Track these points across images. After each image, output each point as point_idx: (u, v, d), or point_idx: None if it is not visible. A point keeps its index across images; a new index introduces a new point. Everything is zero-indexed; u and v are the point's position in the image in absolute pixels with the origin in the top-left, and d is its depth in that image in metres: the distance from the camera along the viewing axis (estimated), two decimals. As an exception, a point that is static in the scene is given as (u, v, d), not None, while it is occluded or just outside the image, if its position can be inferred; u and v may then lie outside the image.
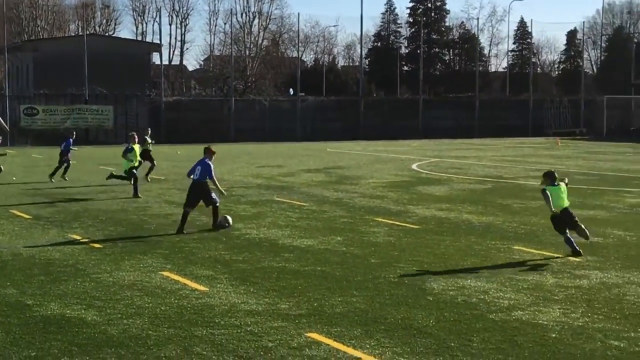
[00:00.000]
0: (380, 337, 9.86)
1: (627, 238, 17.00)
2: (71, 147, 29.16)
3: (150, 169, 28.71)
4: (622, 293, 12.13)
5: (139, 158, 25.48)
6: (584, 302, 11.61)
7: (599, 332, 10.11)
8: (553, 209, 14.90)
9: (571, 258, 14.69)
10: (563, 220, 15.02)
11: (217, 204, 17.98)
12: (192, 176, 18.11)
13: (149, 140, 29.38)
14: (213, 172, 17.97)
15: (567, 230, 15.02)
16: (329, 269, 13.81)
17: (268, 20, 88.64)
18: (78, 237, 16.99)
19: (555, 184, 15.33)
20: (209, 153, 18.17)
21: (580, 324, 10.48)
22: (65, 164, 28.76)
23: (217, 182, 18.23)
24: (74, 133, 30.70)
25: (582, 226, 15.08)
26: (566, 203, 15.11)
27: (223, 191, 18.93)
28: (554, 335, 9.96)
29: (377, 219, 19.57)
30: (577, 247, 14.87)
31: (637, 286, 12.55)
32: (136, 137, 25.96)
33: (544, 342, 9.69)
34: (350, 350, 9.36)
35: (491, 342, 9.70)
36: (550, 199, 14.90)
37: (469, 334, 10.03)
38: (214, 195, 17.94)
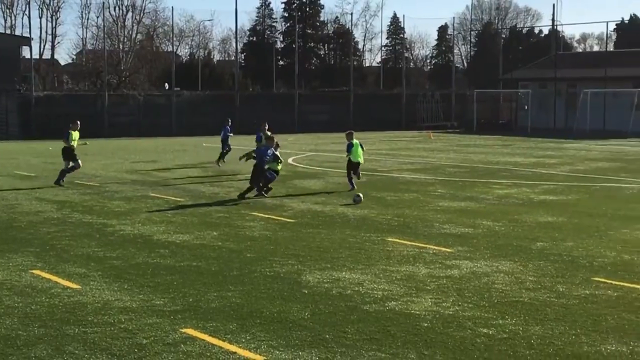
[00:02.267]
0: (255, 331, 9.88)
1: (496, 228, 17.51)
2: (229, 134, 33.60)
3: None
4: (491, 282, 12.48)
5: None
6: (455, 291, 11.90)
7: (468, 320, 10.38)
8: (351, 158, 24.11)
9: (443, 249, 15.04)
10: (353, 166, 24.09)
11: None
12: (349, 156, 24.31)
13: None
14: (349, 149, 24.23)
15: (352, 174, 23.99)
16: (205, 264, 13.76)
17: (142, 13, 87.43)
18: (-57, 237, 16.42)
19: (354, 141, 24.17)
20: (350, 135, 24.50)
21: (451, 312, 10.75)
22: (227, 149, 33.15)
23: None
24: (229, 120, 34.49)
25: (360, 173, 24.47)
26: (360, 157, 24.27)
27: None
28: (425, 325, 10.18)
29: (253, 213, 19.58)
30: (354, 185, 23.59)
31: (505, 275, 12.94)
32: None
33: (417, 332, 9.90)
34: (226, 345, 9.35)
35: (365, 332, 9.85)
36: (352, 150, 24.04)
37: (344, 325, 10.15)
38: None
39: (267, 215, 19.27)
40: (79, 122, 26.69)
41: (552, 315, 10.59)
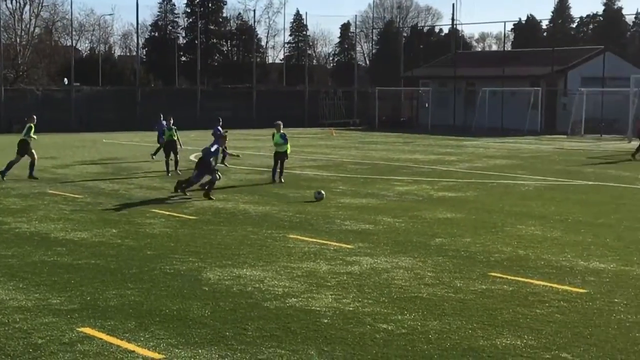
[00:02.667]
0: (155, 329, 9.78)
1: (396, 224, 17.71)
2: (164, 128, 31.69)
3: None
4: (390, 277, 12.62)
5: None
6: (355, 287, 11.99)
7: (368, 316, 10.48)
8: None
9: (344, 245, 15.13)
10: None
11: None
12: None
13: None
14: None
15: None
16: (103, 262, 13.55)
17: (40, 7, 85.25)
18: None
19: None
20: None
21: (351, 308, 10.82)
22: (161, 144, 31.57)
23: None
24: (162, 116, 34.40)
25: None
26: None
27: None
28: (326, 321, 10.23)
29: (153, 210, 19.38)
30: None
31: (405, 270, 13.10)
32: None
33: (317, 328, 9.94)
34: (124, 344, 9.23)
35: (266, 329, 9.84)
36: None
37: (244, 322, 10.13)
38: None
39: (167, 213, 19.10)
40: (35, 117, 26.87)
41: (449, 310, 10.77)
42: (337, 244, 15.27)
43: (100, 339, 9.41)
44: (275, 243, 15.42)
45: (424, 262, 13.79)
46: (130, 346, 9.16)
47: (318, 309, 10.79)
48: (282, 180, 25.25)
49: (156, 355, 8.91)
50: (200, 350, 9.05)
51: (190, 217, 18.56)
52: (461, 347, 9.26)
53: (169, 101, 62.93)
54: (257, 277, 12.57)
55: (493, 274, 12.90)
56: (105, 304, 10.94)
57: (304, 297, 11.40)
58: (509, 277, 12.67)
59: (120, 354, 8.91)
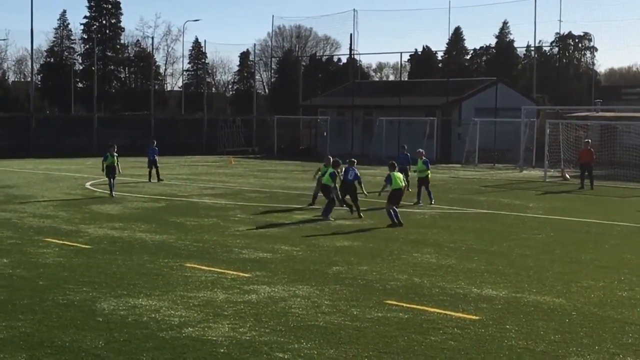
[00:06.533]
0: (46, 362, 9.57)
1: (294, 253, 17.74)
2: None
3: None
4: (287, 306, 12.63)
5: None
6: (252, 316, 11.96)
7: (265, 345, 10.46)
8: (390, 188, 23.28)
9: (241, 274, 15.10)
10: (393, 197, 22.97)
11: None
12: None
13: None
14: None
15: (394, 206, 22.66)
16: (-6, 293, 13.20)
17: None
18: None
19: (396, 171, 23.93)
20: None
21: (248, 338, 10.79)
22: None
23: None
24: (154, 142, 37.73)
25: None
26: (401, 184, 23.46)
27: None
28: (222, 351, 10.17)
29: (47, 240, 18.99)
30: (398, 220, 22.26)
31: (302, 299, 13.13)
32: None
33: (213, 358, 9.88)
34: (14, 377, 9.01)
35: (161, 360, 9.74)
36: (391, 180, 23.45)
37: (139, 353, 9.99)
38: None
39: (61, 242, 18.73)
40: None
41: (346, 338, 10.83)
42: (234, 273, 15.22)
43: (-11, 372, 9.16)
44: (171, 272, 15.27)
45: (321, 290, 13.84)
46: (21, 379, 8.94)
47: (214, 338, 10.72)
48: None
49: (47, 388, 8.72)
50: (93, 383, 8.89)
51: (85, 246, 18.24)
52: (357, 375, 9.32)
53: (64, 128, 61.94)
54: (152, 306, 12.43)
55: (389, 301, 13.04)
56: (-5, 336, 10.65)
57: (200, 326, 11.31)
58: (404, 304, 12.83)
59: (9, 388, 8.69)
